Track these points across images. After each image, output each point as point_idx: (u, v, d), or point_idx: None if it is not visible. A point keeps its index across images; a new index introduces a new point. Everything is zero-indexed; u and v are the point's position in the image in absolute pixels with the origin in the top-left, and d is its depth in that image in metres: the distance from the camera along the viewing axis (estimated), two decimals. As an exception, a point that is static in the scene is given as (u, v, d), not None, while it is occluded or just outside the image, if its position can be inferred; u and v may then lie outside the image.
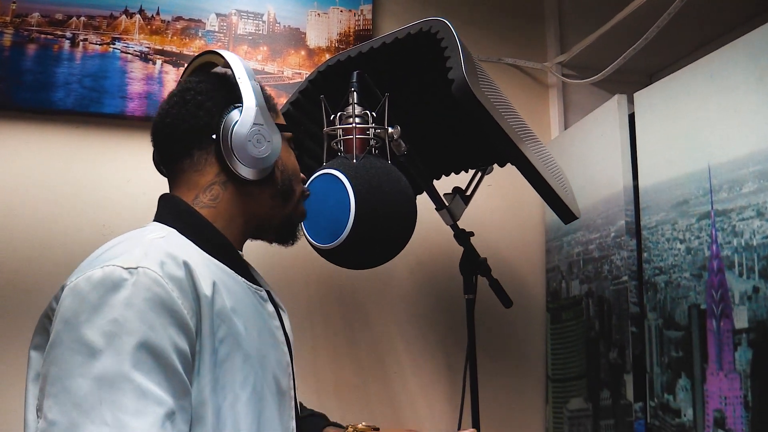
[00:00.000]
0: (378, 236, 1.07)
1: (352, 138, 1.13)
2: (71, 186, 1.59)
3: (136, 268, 0.74)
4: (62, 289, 0.77)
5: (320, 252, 1.13)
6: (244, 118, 0.89)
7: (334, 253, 1.10)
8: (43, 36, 1.61)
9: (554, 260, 1.82)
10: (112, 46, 1.65)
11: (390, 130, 1.18)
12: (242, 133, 0.88)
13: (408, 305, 1.78)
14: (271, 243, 1.02)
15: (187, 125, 0.91)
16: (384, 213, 1.06)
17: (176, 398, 0.71)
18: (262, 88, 0.97)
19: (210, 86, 0.94)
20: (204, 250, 0.86)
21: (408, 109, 1.31)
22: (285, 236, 1.02)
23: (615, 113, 1.53)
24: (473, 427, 1.35)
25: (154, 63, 1.67)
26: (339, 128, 1.16)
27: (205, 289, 0.79)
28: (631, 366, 1.41)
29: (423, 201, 1.30)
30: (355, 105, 1.16)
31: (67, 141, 1.61)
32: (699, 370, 1.24)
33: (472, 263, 1.38)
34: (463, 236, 1.38)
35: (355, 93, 1.17)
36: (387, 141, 1.18)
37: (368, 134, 1.16)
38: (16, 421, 1.44)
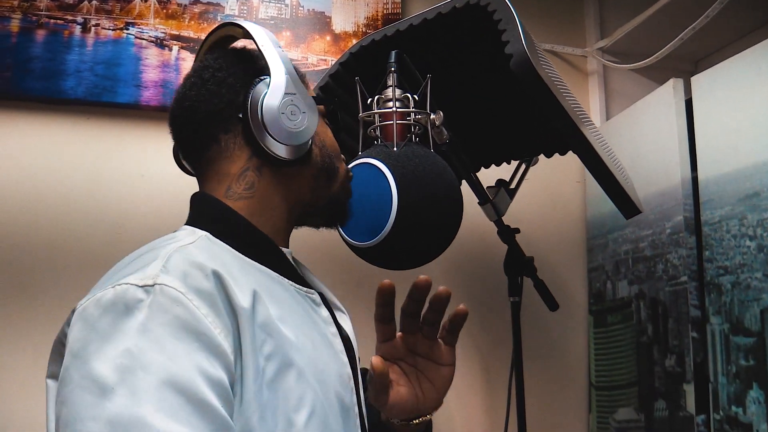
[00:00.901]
0: (424, 232, 0.96)
1: (392, 124, 1.02)
2: (82, 181, 1.49)
3: (152, 286, 0.63)
4: (73, 312, 0.66)
5: (357, 251, 1.02)
6: (273, 88, 0.78)
7: (373, 252, 0.98)
8: (52, 21, 1.51)
9: (597, 259, 1.70)
10: (125, 31, 1.55)
11: (432, 116, 1.07)
12: (273, 105, 0.77)
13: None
14: (319, 228, 0.92)
15: (209, 107, 0.81)
16: (431, 206, 0.95)
17: None
18: (289, 59, 0.87)
19: (230, 61, 0.84)
20: (243, 253, 0.76)
21: (447, 95, 1.19)
22: (333, 218, 0.92)
23: (670, 99, 1.40)
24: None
25: (171, 49, 1.57)
26: (377, 113, 1.04)
27: (242, 300, 0.67)
28: (692, 375, 1.29)
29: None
30: (395, 88, 1.05)
31: (77, 132, 1.50)
32: (775, 380, 1.12)
33: (518, 263, 1.26)
34: (508, 233, 1.27)
35: (394, 74, 1.05)
36: (429, 128, 1.07)
37: (409, 120, 1.04)
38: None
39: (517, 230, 1.28)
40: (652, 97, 1.49)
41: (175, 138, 0.85)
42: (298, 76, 0.83)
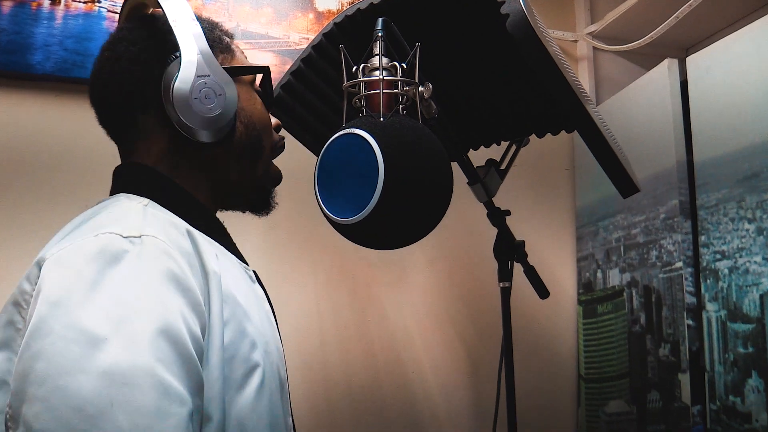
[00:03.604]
0: (412, 207, 0.89)
1: (379, 93, 0.96)
2: (51, 161, 1.41)
3: (139, 237, 0.61)
4: (38, 266, 0.60)
5: (340, 228, 0.95)
6: (183, 71, 0.72)
7: (357, 229, 0.92)
8: (19, -8, 1.43)
9: (587, 248, 1.65)
10: (97, 4, 1.47)
11: (421, 87, 1.01)
12: (184, 90, 0.72)
13: (427, 298, 1.61)
14: (245, 212, 0.89)
15: (124, 87, 0.76)
16: (420, 179, 0.89)
17: (193, 395, 0.57)
18: (212, 24, 0.82)
19: (145, 33, 0.78)
20: (193, 226, 0.72)
21: (436, 70, 1.13)
22: (258, 204, 0.88)
23: (665, 80, 1.36)
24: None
25: (145, 24, 1.49)
26: (362, 81, 0.98)
27: (213, 263, 0.66)
28: (688, 364, 1.25)
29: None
30: (382, 56, 0.99)
31: (46, 109, 1.42)
32: (775, 368, 1.08)
33: (509, 246, 1.21)
34: (498, 215, 1.21)
35: (381, 42, 0.99)
36: (417, 99, 1.01)
37: (396, 90, 0.98)
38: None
39: (508, 212, 1.22)
40: (645, 79, 1.45)
41: (97, 116, 0.81)
42: (220, 46, 0.80)
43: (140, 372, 0.53)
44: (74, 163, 1.42)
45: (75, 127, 1.44)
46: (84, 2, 1.46)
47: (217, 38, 0.81)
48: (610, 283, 1.54)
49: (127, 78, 0.76)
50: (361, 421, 1.49)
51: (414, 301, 1.60)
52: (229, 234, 0.81)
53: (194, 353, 0.58)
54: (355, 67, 1.00)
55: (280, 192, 0.98)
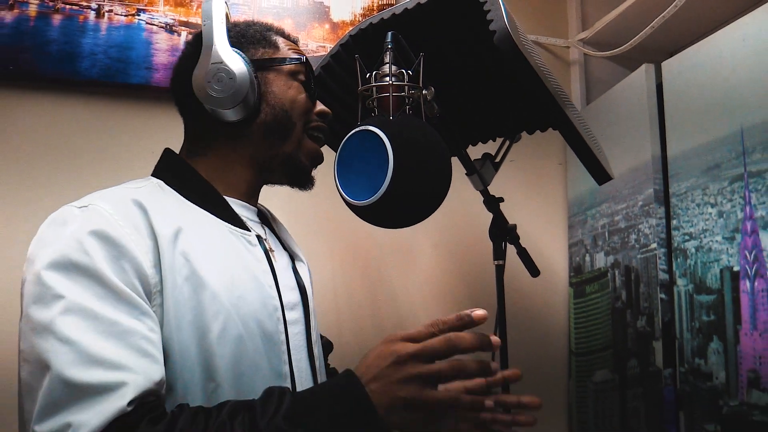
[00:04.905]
0: (417, 188, 1.07)
1: (388, 96, 1.13)
2: (94, 156, 1.59)
3: (87, 206, 0.81)
4: None
5: (357, 210, 1.13)
6: (201, 60, 0.92)
7: (371, 210, 1.09)
8: (68, 6, 1.60)
9: (577, 235, 1.82)
10: (137, 17, 1.65)
11: (424, 91, 1.18)
12: (200, 76, 0.91)
13: (432, 280, 1.78)
14: (293, 187, 1.05)
15: (180, 76, 0.98)
16: (423, 166, 1.06)
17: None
18: (265, 26, 1.02)
19: (195, 36, 1.01)
20: (187, 198, 0.91)
21: (439, 75, 1.30)
22: (296, 178, 1.04)
23: (643, 83, 1.52)
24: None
25: (179, 35, 1.67)
26: (374, 86, 1.15)
27: (165, 228, 0.83)
28: (661, 333, 1.41)
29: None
30: (391, 64, 1.16)
31: (93, 111, 1.60)
32: (732, 332, 1.24)
33: (502, 229, 1.38)
34: (493, 202, 1.38)
35: (390, 52, 1.16)
36: (421, 101, 1.18)
37: (403, 93, 1.16)
38: None
39: (501, 199, 1.39)
40: (626, 81, 1.62)
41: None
42: (263, 40, 0.99)
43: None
44: (116, 159, 1.60)
45: (117, 127, 1.61)
46: (125, 15, 1.64)
47: (253, 35, 1.00)
48: (596, 266, 1.70)
49: (182, 70, 0.97)
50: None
51: (420, 282, 1.77)
52: (226, 204, 0.95)
53: (125, 287, 0.76)
54: (368, 74, 1.17)
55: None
